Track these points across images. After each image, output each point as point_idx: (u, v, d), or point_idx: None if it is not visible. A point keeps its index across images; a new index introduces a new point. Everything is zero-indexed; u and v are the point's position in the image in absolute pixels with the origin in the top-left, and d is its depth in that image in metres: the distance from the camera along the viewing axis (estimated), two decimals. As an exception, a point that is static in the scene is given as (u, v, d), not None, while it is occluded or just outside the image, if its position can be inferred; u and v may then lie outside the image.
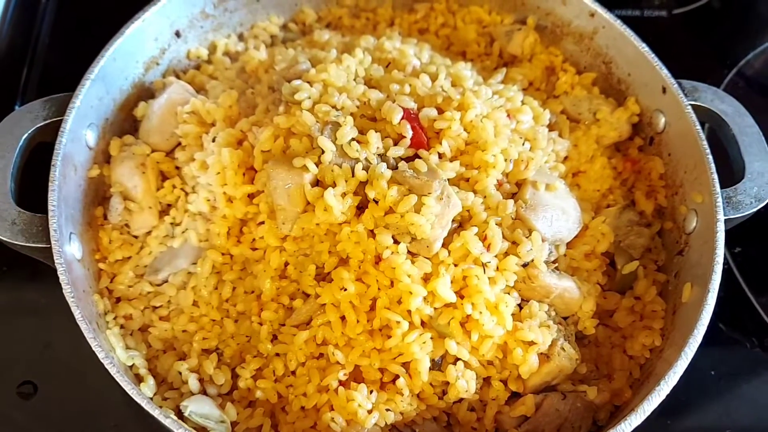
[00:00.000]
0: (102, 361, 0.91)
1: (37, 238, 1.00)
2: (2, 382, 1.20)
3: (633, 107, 1.28)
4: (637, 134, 1.30)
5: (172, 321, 1.11)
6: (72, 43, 1.62)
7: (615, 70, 1.32)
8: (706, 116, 1.20)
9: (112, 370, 0.91)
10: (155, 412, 0.88)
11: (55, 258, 0.97)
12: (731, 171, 1.18)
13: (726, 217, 1.08)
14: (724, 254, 1.39)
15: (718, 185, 1.10)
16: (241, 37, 1.41)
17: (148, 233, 1.17)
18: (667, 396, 1.00)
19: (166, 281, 1.13)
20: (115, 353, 1.02)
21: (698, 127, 1.15)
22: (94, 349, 0.92)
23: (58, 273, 0.97)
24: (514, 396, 1.05)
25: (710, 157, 1.12)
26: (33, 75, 1.59)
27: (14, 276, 1.32)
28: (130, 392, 0.90)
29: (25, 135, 1.07)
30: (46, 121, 1.09)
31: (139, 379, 1.04)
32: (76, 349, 1.21)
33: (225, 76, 1.31)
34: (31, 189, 1.06)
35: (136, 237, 1.17)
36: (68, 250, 1.02)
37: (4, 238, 0.99)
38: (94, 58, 1.16)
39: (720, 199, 1.09)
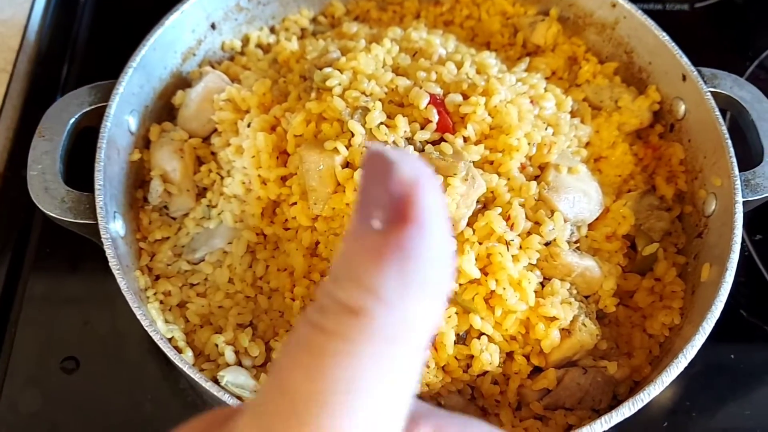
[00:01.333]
0: (147, 329, 0.96)
1: (85, 215, 1.05)
2: (47, 358, 1.27)
3: (654, 95, 1.31)
4: (657, 121, 1.33)
5: (209, 297, 1.16)
6: (110, 38, 1.68)
7: (636, 59, 1.35)
8: (725, 103, 1.23)
9: (156, 338, 0.96)
10: (196, 377, 0.93)
11: (101, 233, 1.03)
12: (750, 156, 1.20)
13: (744, 199, 1.11)
14: (746, 242, 1.43)
15: (736, 168, 1.12)
16: (272, 30, 1.47)
17: (186, 215, 1.22)
18: (688, 381, 1.03)
19: (202, 260, 1.18)
20: (156, 326, 1.08)
21: (717, 112, 1.18)
22: (138, 317, 0.97)
23: (105, 247, 1.02)
24: (536, 370, 1.09)
25: (729, 141, 1.15)
26: (73, 70, 1.66)
27: (55, 259, 1.39)
28: (173, 358, 0.95)
29: (72, 119, 1.14)
30: (92, 107, 1.15)
31: (178, 351, 1.09)
32: (114, 328, 1.30)
33: (258, 66, 1.36)
34: (78, 170, 1.13)
35: (174, 218, 1.23)
36: (113, 227, 1.08)
37: (54, 215, 1.05)
38: (130, 51, 1.22)
39: (738, 182, 1.11)
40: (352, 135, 1.07)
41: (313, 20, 1.50)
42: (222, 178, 1.22)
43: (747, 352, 1.35)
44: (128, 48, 1.24)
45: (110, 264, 1.00)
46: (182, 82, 1.33)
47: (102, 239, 1.03)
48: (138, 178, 1.24)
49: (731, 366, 1.33)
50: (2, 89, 1.52)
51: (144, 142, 1.25)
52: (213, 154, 1.25)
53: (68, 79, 1.64)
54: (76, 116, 1.14)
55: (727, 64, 1.70)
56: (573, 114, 1.25)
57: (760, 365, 1.35)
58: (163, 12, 1.28)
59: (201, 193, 1.23)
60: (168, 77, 1.30)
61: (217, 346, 1.10)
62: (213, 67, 1.37)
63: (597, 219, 1.16)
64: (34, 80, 1.59)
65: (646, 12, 1.31)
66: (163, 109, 1.30)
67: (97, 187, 1.06)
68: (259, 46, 1.44)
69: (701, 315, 1.03)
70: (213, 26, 1.36)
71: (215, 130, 1.25)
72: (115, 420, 1.23)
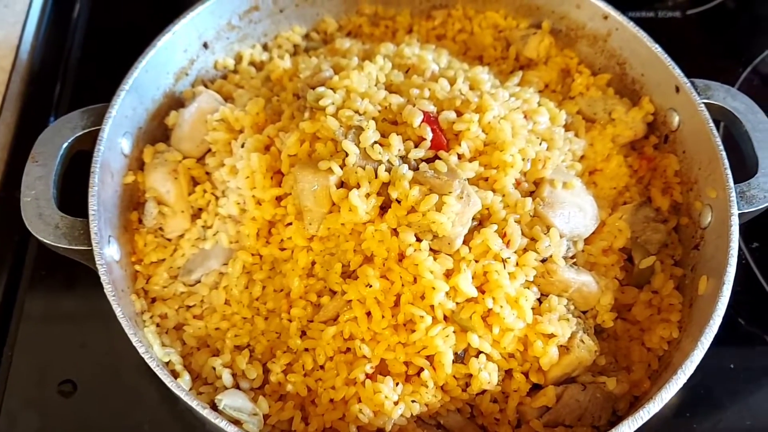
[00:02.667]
0: (143, 356, 0.96)
1: (79, 241, 1.05)
2: (44, 381, 1.26)
3: (647, 106, 1.31)
4: (651, 133, 1.33)
5: (206, 319, 1.16)
6: (102, 57, 1.68)
7: (629, 71, 1.35)
8: (719, 114, 1.23)
9: (152, 364, 0.96)
10: (193, 404, 0.93)
11: (96, 259, 1.02)
12: (745, 167, 1.20)
13: (740, 211, 1.11)
14: (742, 250, 1.43)
15: (731, 180, 1.12)
16: (265, 47, 1.47)
17: (181, 236, 1.22)
18: (688, 390, 1.03)
19: (198, 281, 1.18)
20: (152, 350, 1.07)
21: (711, 124, 1.18)
22: (134, 344, 0.96)
23: (99, 273, 1.02)
24: (535, 388, 1.08)
25: (724, 153, 1.15)
26: (66, 89, 1.66)
27: (51, 280, 1.38)
28: (169, 385, 0.94)
29: (66, 144, 1.13)
30: (85, 131, 1.15)
31: (174, 375, 1.08)
32: (111, 349, 1.29)
33: (251, 84, 1.36)
34: (71, 195, 1.12)
35: (169, 240, 1.22)
36: (107, 252, 1.08)
37: (48, 241, 1.05)
38: (122, 71, 1.22)
39: (734, 194, 1.11)
40: (347, 155, 1.07)
41: (306, 36, 1.50)
42: (217, 198, 1.22)
43: (746, 360, 1.35)
44: (121, 66, 1.23)
45: (105, 290, 1.00)
46: (175, 102, 1.33)
47: (97, 265, 1.02)
48: (132, 201, 1.24)
49: (731, 374, 1.33)
50: (-5, 110, 1.52)
51: (138, 164, 1.25)
52: (207, 174, 1.25)
53: (61, 98, 1.64)
54: (69, 140, 1.14)
55: (720, 70, 1.72)
56: (567, 127, 1.25)
57: (760, 373, 1.35)
58: (155, 30, 1.28)
59: (196, 214, 1.23)
60: (161, 98, 1.30)
61: (214, 369, 1.09)
62: (206, 86, 1.37)
63: (593, 233, 1.16)
64: (27, 100, 1.59)
65: (639, 20, 1.31)
66: (157, 130, 1.30)
67: (91, 212, 1.05)
68: (252, 63, 1.43)
69: (700, 329, 1.03)
70: (205, 45, 1.36)
71: (209, 150, 1.25)
72: (114, 443, 1.22)
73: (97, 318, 1.32)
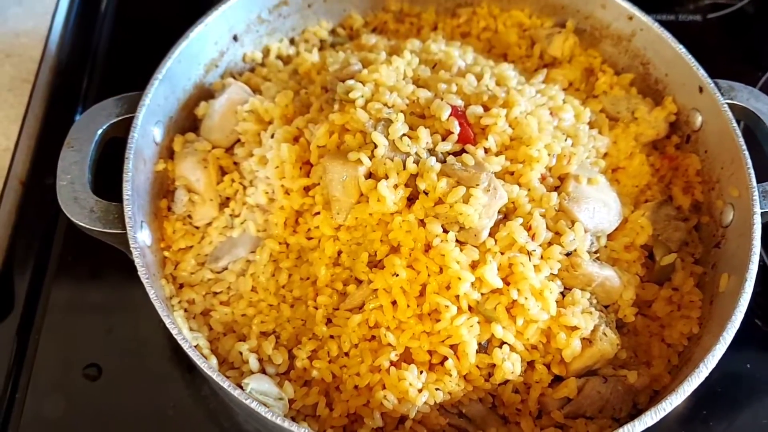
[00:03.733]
0: (176, 337, 0.98)
1: (113, 224, 1.07)
2: (70, 364, 1.29)
3: (670, 106, 1.32)
4: (674, 132, 1.34)
5: (232, 306, 1.18)
6: (130, 48, 1.71)
7: (652, 71, 1.37)
8: (742, 114, 1.24)
9: (185, 345, 0.98)
10: (225, 384, 0.95)
11: (130, 243, 1.05)
12: (766, 166, 1.21)
13: (762, 210, 1.12)
14: (761, 252, 1.43)
15: (754, 179, 1.14)
16: (292, 42, 1.49)
17: (209, 224, 1.24)
18: (705, 389, 1.04)
19: (225, 269, 1.20)
20: (183, 333, 1.09)
21: (735, 124, 1.19)
22: (168, 326, 0.98)
23: (134, 257, 1.04)
24: (557, 379, 1.10)
25: (746, 152, 1.16)
26: (93, 80, 1.68)
27: (78, 267, 1.41)
28: (201, 365, 0.96)
29: (100, 130, 1.16)
30: (119, 118, 1.17)
31: (203, 359, 1.10)
32: (136, 335, 1.31)
33: (278, 78, 1.38)
34: (105, 180, 1.15)
35: (197, 228, 1.24)
36: (140, 237, 1.10)
37: (83, 224, 1.07)
38: (149, 63, 1.24)
39: (756, 193, 1.13)
40: (375, 146, 1.09)
41: (332, 32, 1.52)
42: (245, 188, 1.24)
43: (763, 362, 1.36)
44: (148, 58, 1.25)
45: (139, 273, 1.02)
46: (205, 93, 1.35)
47: (131, 248, 1.04)
48: (162, 188, 1.26)
49: (747, 375, 1.34)
50: (25, 99, 1.55)
51: (168, 153, 1.27)
52: (235, 164, 1.27)
53: (89, 89, 1.67)
54: (104, 127, 1.16)
55: (739, 74, 1.70)
56: (591, 125, 1.27)
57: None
58: (182, 22, 1.30)
59: (224, 202, 1.25)
60: (191, 88, 1.32)
61: (241, 353, 1.11)
62: (234, 78, 1.39)
63: (616, 229, 1.18)
64: (55, 91, 1.61)
65: (659, 22, 1.33)
66: (187, 120, 1.32)
67: (125, 197, 1.07)
68: (278, 57, 1.46)
69: (720, 325, 1.04)
70: (235, 38, 1.38)
71: (238, 140, 1.27)
72: (138, 427, 1.24)
73: (122, 305, 1.35)
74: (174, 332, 0.98)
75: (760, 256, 1.41)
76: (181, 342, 0.97)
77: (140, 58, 1.27)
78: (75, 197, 1.08)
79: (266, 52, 1.45)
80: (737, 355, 1.07)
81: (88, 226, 1.07)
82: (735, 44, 1.85)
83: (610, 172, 1.26)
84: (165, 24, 1.40)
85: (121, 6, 1.80)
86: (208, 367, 0.97)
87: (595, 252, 1.14)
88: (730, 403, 1.31)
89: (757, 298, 1.16)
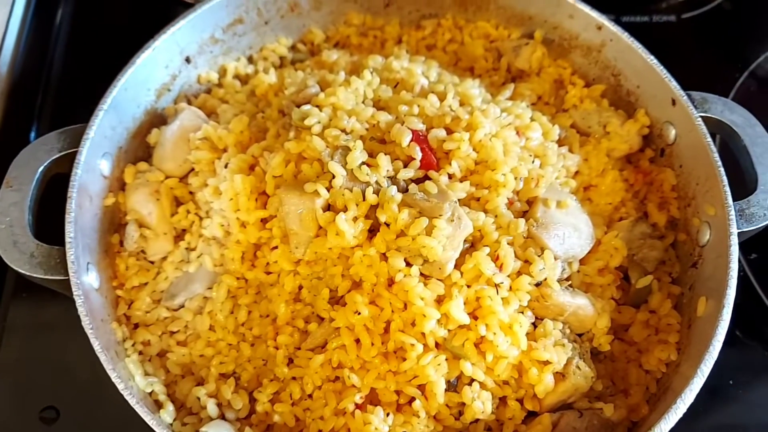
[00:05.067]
0: (122, 392, 0.92)
1: (56, 270, 1.01)
2: (26, 406, 1.22)
3: (643, 119, 1.28)
4: (648, 146, 1.30)
5: (190, 346, 1.12)
6: (85, 67, 1.64)
7: (624, 82, 1.32)
8: (716, 127, 1.20)
9: (132, 401, 0.92)
10: (176, 441, 0.89)
11: (73, 290, 0.99)
12: (744, 181, 1.17)
13: (739, 230, 1.08)
14: (741, 261, 1.40)
15: (730, 198, 1.09)
16: (250, 60, 1.43)
17: (164, 259, 1.18)
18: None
19: (182, 306, 1.14)
20: (134, 381, 1.04)
21: (709, 139, 1.15)
22: (113, 380, 0.93)
23: (77, 305, 0.98)
24: (531, 415, 1.05)
25: (722, 169, 1.12)
26: (47, 102, 1.61)
27: (32, 301, 1.34)
28: (149, 422, 0.91)
29: (41, 167, 1.09)
30: (62, 153, 1.11)
31: (158, 405, 1.05)
32: (95, 373, 1.23)
33: (236, 99, 1.32)
34: (48, 220, 1.08)
35: (152, 263, 1.19)
36: (86, 281, 1.04)
37: (24, 271, 1.01)
38: (108, 81, 1.18)
39: (733, 212, 1.08)
40: (333, 176, 1.03)
41: (292, 48, 1.46)
42: (201, 219, 1.18)
43: (745, 377, 1.33)
44: (105, 75, 1.19)
45: (83, 322, 0.97)
46: (158, 119, 1.29)
47: (74, 295, 0.98)
48: (113, 223, 1.20)
49: (730, 392, 1.30)
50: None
51: (119, 184, 1.21)
52: (191, 193, 1.21)
53: (43, 110, 1.60)
54: (46, 163, 1.10)
55: (716, 75, 1.68)
56: (561, 142, 1.22)
57: (758, 389, 1.32)
58: (142, 35, 1.23)
59: (179, 235, 1.19)
60: (142, 115, 1.26)
61: (199, 399, 1.06)
62: (189, 101, 1.33)
63: (589, 252, 1.13)
64: (7, 113, 1.54)
65: (633, 25, 1.28)
66: (139, 148, 1.26)
67: (68, 240, 1.01)
68: (236, 77, 1.39)
69: (699, 353, 1.00)
70: (188, 60, 1.32)
71: (193, 169, 1.21)
72: (99, 473, 1.19)
73: (80, 344, 1.28)
74: (120, 387, 0.92)
75: (740, 265, 1.39)
76: (127, 398, 0.92)
77: (98, 76, 1.21)
78: (14, 241, 1.02)
79: (223, 72, 1.39)
80: (718, 368, 1.03)
81: (28, 273, 1.01)
82: (711, 44, 1.80)
83: (581, 191, 1.22)
84: (125, 37, 1.32)
85: (76, 22, 1.72)
86: (157, 423, 0.91)
87: (567, 278, 1.10)
88: (711, 418, 1.27)
89: (738, 309, 1.12)
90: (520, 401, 1.05)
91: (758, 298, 1.38)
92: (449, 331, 1.01)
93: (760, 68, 1.73)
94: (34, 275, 1.01)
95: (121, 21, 1.78)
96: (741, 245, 1.41)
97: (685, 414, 1.19)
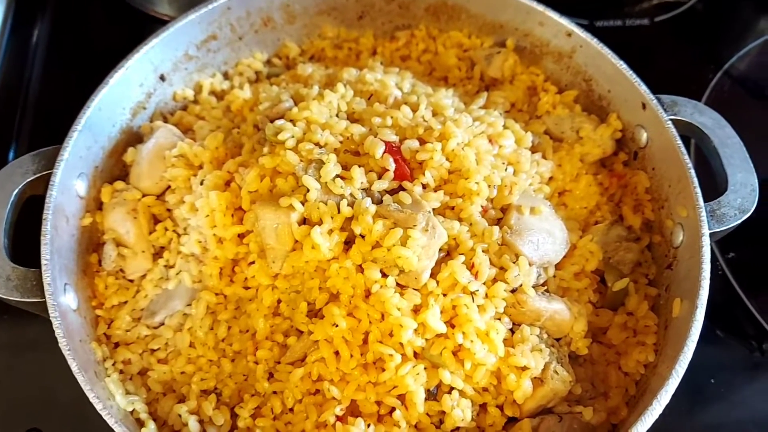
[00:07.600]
0: (100, 412, 0.92)
1: (32, 293, 1.01)
2: (9, 429, 1.22)
3: (615, 123, 1.29)
4: (621, 149, 1.31)
5: (170, 363, 1.12)
6: (63, 87, 1.64)
7: (595, 87, 1.33)
8: (687, 130, 1.21)
9: (110, 421, 0.92)
10: (155, 461, 0.89)
11: (50, 312, 0.99)
12: (716, 181, 1.19)
13: (711, 231, 1.09)
14: (719, 260, 1.41)
15: (701, 199, 1.10)
16: (226, 75, 1.43)
17: (143, 276, 1.18)
18: (668, 405, 1.02)
19: (162, 324, 1.14)
20: (114, 400, 1.04)
21: (679, 141, 1.16)
22: (91, 400, 0.93)
23: (54, 327, 0.98)
24: (511, 421, 1.06)
25: (692, 171, 1.13)
26: (26, 122, 1.61)
27: (13, 322, 1.34)
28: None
29: (16, 190, 1.09)
30: (36, 175, 1.11)
31: (140, 424, 1.05)
32: (78, 393, 1.24)
33: (212, 115, 1.33)
34: (24, 243, 1.08)
35: (131, 281, 1.19)
36: (63, 302, 1.04)
37: (0, 295, 1.01)
38: (85, 101, 1.18)
39: (704, 214, 1.09)
40: (308, 190, 1.04)
41: (268, 62, 1.46)
42: (179, 236, 1.18)
43: (726, 375, 1.34)
44: (85, 89, 1.19)
45: (60, 344, 0.97)
46: (134, 137, 1.29)
47: (51, 317, 0.98)
48: (91, 242, 1.20)
49: (711, 390, 1.31)
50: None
51: (96, 204, 1.21)
52: (169, 210, 1.21)
53: (21, 131, 1.60)
54: (20, 186, 1.10)
55: (691, 76, 1.70)
56: (534, 149, 1.23)
57: (739, 387, 1.34)
58: (120, 55, 1.24)
59: (158, 252, 1.19)
60: (118, 134, 1.26)
61: (180, 416, 1.06)
62: (165, 118, 1.33)
63: (564, 257, 1.14)
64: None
65: (606, 29, 1.29)
66: (115, 167, 1.26)
67: (44, 262, 1.01)
68: (212, 93, 1.40)
69: (675, 353, 1.01)
70: (162, 78, 1.32)
71: (169, 186, 1.21)
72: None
73: (63, 366, 1.28)
74: (98, 407, 0.92)
75: (717, 264, 1.41)
76: (106, 418, 0.92)
77: (76, 93, 1.21)
78: (-10, 265, 1.02)
79: (198, 88, 1.39)
80: (700, 367, 1.04)
81: (4, 296, 1.01)
82: (685, 46, 1.83)
83: (556, 196, 1.23)
84: (103, 51, 1.33)
85: (53, 43, 1.73)
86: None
87: (543, 284, 1.11)
88: (694, 417, 1.30)
89: (718, 309, 1.14)
90: (500, 408, 1.05)
91: (737, 297, 1.40)
92: (427, 340, 1.01)
93: (734, 68, 1.75)
94: (11, 298, 1.01)
95: (99, 40, 1.79)
96: (718, 244, 1.44)
97: (667, 413, 1.21)
